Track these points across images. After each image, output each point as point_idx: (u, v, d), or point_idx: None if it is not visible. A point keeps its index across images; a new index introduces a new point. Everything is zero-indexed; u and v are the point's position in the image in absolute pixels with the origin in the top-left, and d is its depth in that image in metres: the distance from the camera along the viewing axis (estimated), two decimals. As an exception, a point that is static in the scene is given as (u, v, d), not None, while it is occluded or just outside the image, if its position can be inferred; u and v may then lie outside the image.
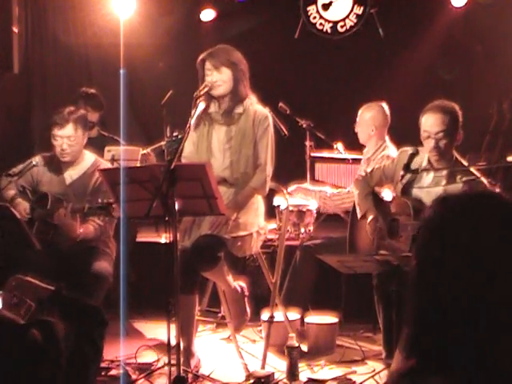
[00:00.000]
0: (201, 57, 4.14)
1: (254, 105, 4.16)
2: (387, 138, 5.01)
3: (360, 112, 5.05)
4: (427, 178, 3.99)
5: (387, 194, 4.15)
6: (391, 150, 4.92)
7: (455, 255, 1.20)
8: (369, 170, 4.37)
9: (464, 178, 3.88)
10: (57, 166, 4.43)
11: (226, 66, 4.07)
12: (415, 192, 3.99)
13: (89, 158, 4.50)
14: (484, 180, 3.92)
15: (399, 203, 4.01)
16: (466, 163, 3.99)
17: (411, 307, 1.25)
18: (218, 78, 4.07)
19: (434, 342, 1.19)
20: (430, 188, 3.95)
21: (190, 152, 4.19)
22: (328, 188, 5.20)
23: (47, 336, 1.65)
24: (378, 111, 5.00)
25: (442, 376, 1.16)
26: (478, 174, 3.95)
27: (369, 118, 4.97)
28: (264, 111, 4.19)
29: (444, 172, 3.94)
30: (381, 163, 4.80)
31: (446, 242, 1.22)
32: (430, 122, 3.89)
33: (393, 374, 1.25)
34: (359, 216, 4.19)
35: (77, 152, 4.40)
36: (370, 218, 4.08)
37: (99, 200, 4.06)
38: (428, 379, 1.18)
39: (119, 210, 3.82)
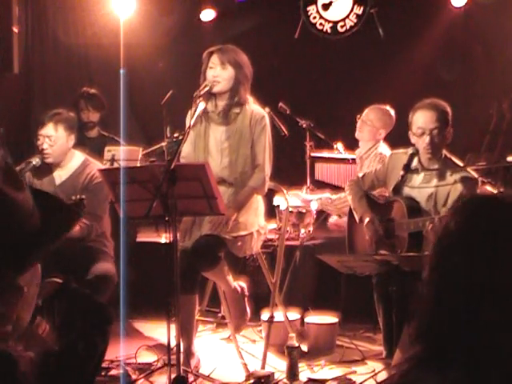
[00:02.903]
0: (209, 49, 4.13)
1: (250, 104, 4.16)
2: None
3: (369, 111, 5.05)
4: (418, 177, 4.00)
5: None
6: (383, 148, 4.95)
7: (474, 255, 1.21)
8: (360, 174, 4.39)
9: (454, 175, 3.90)
10: (46, 167, 4.42)
11: (232, 64, 4.07)
12: (407, 191, 4.01)
13: (78, 157, 4.48)
14: (473, 173, 3.94)
15: (394, 208, 4.02)
16: (455, 159, 4.01)
17: (423, 299, 1.26)
18: (220, 74, 4.07)
19: (444, 332, 1.20)
20: (421, 186, 3.96)
21: (188, 152, 4.18)
22: (328, 194, 5.20)
23: (3, 371, 1.56)
24: (389, 117, 5.05)
25: (448, 367, 1.17)
26: (471, 170, 3.98)
27: (381, 122, 5.01)
28: (261, 111, 4.19)
29: (434, 168, 3.96)
30: (374, 160, 4.83)
31: (466, 242, 1.23)
32: (423, 119, 3.91)
33: (399, 363, 1.26)
34: (357, 220, 4.20)
35: (59, 153, 4.37)
36: (367, 220, 4.09)
37: (73, 197, 4.03)
38: (432, 368, 1.19)
39: (119, 210, 3.82)
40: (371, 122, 5.02)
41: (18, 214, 1.14)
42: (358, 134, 5.11)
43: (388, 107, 5.10)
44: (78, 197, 3.98)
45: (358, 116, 5.08)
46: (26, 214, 1.17)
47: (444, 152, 3.99)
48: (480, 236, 1.23)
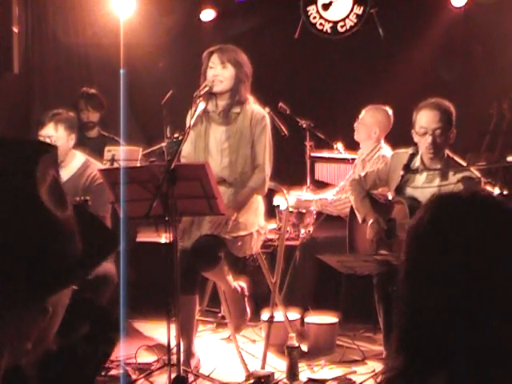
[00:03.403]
0: (209, 49, 4.14)
1: (251, 104, 4.16)
2: (382, 139, 5.04)
3: (365, 112, 5.07)
4: (421, 177, 4.00)
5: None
6: (386, 151, 4.95)
7: (446, 254, 1.21)
8: (362, 173, 4.38)
9: (457, 175, 3.90)
10: None
11: (232, 63, 4.08)
12: (409, 191, 4.01)
13: (79, 158, 4.48)
14: (477, 173, 3.94)
15: (396, 208, 4.02)
16: (457, 159, 4.01)
17: (401, 304, 1.26)
18: (221, 73, 4.07)
19: (423, 340, 1.20)
20: (424, 186, 3.96)
21: (188, 152, 4.19)
22: (328, 194, 5.20)
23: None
24: (385, 115, 5.04)
25: (430, 375, 1.17)
26: (472, 169, 3.98)
27: (374, 120, 5.01)
28: (261, 111, 4.19)
29: (436, 168, 3.96)
30: (377, 163, 4.82)
31: (437, 241, 1.23)
32: (426, 119, 3.91)
33: (384, 372, 1.26)
34: (360, 221, 4.19)
35: (60, 153, 4.36)
36: (371, 221, 4.08)
37: (76, 198, 4.04)
38: (415, 377, 1.18)
39: (119, 210, 3.82)
40: (364, 120, 5.04)
41: (59, 234, 1.13)
42: (355, 136, 5.12)
43: (385, 107, 5.10)
44: (82, 198, 3.99)
45: (357, 119, 5.09)
46: (67, 234, 1.15)
47: (446, 152, 3.99)
48: (451, 232, 1.23)
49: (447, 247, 1.21)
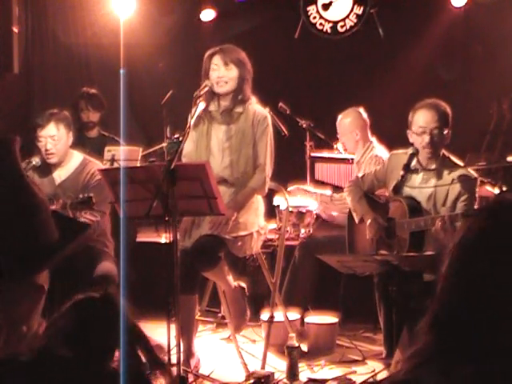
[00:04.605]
0: (210, 51, 4.14)
1: (253, 105, 4.17)
2: (374, 138, 5.05)
3: (338, 122, 5.13)
4: (417, 177, 4.01)
5: None
6: (379, 150, 4.96)
7: (501, 259, 1.21)
8: (360, 174, 4.39)
9: (452, 174, 3.91)
10: (45, 167, 4.43)
11: (235, 63, 4.08)
12: (407, 191, 4.01)
13: (77, 157, 4.51)
14: (473, 172, 3.95)
15: (394, 207, 4.02)
16: (453, 158, 4.02)
17: (445, 290, 1.25)
18: (225, 74, 4.07)
19: (459, 324, 1.20)
20: (421, 186, 3.97)
21: (190, 152, 4.19)
22: (328, 192, 5.21)
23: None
24: (355, 116, 5.08)
25: (457, 357, 1.17)
26: (461, 164, 4.00)
27: (349, 124, 5.06)
28: (263, 111, 4.19)
29: (432, 167, 3.98)
30: (370, 164, 4.83)
31: (493, 244, 1.22)
32: (424, 118, 3.92)
33: (403, 360, 1.26)
34: (357, 221, 4.20)
35: (62, 152, 4.40)
36: (369, 221, 4.08)
37: (80, 195, 4.06)
38: (437, 365, 1.18)
39: (119, 210, 3.82)
40: (343, 131, 5.10)
41: (43, 212, 1.15)
42: (349, 149, 5.17)
43: (356, 108, 5.14)
44: (86, 195, 4.00)
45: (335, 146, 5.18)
46: (48, 213, 1.17)
47: (442, 151, 4.00)
48: (503, 239, 1.22)
49: (498, 254, 1.21)
